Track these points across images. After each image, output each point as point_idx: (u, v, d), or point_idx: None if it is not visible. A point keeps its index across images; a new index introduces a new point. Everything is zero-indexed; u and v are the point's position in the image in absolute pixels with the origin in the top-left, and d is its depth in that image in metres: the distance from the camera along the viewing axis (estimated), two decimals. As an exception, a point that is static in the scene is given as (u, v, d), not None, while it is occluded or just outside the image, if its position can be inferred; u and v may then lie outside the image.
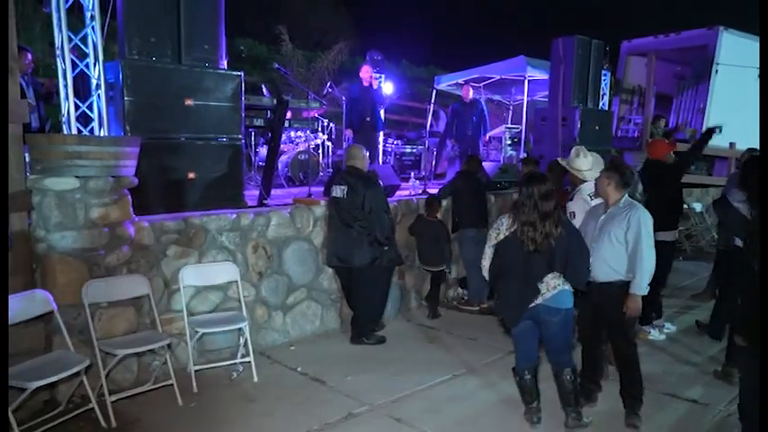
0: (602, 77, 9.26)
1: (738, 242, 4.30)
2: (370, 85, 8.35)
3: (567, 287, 3.42)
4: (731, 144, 9.70)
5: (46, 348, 3.78)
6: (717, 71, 9.79)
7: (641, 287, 3.54)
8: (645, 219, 3.57)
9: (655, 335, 5.39)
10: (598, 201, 4.09)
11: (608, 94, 10.08)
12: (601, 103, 9.38)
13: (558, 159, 4.68)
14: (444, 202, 6.40)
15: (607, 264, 3.60)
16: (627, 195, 3.69)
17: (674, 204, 5.36)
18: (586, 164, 4.34)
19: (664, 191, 5.08)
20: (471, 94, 9.45)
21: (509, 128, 9.79)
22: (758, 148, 6.25)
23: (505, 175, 7.72)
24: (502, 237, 3.45)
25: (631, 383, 3.73)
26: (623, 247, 3.57)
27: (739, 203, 4.24)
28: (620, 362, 3.80)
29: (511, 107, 12.14)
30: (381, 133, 9.05)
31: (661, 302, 5.56)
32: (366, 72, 8.28)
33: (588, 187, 4.29)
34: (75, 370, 3.41)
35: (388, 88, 9.77)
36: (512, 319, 3.55)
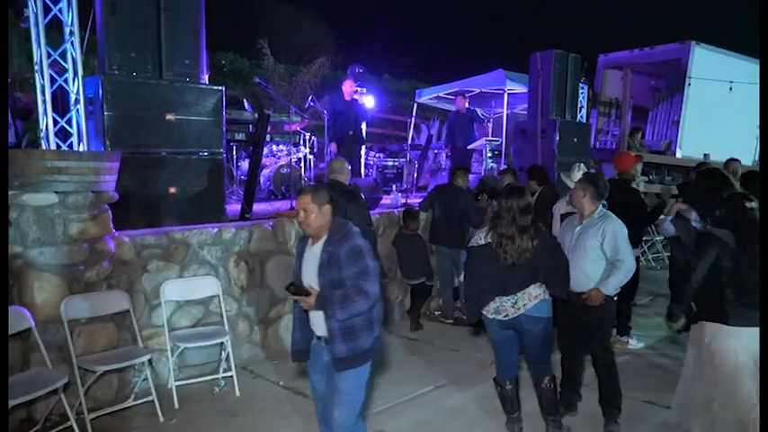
0: (580, 90, 9.44)
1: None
2: (353, 98, 8.40)
3: (547, 297, 3.48)
4: (705, 155, 9.91)
5: (23, 366, 3.72)
6: (690, 84, 10.05)
7: (610, 288, 3.61)
8: (620, 229, 3.64)
9: (633, 343, 5.48)
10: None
11: (586, 106, 10.26)
12: (579, 116, 9.54)
13: (562, 174, 5.21)
14: (424, 215, 6.42)
15: (585, 274, 3.66)
16: (602, 207, 3.77)
17: (640, 223, 5.46)
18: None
19: (629, 210, 5.12)
20: (466, 104, 9.53)
21: (489, 140, 9.90)
22: (735, 158, 6.43)
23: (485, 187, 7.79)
24: (481, 243, 3.50)
25: (610, 391, 3.78)
26: (600, 258, 3.64)
27: (695, 222, 4.31)
28: (599, 370, 3.86)
29: (491, 120, 12.29)
30: (363, 147, 9.10)
31: (631, 310, 5.68)
32: (348, 86, 8.32)
33: None
34: (52, 387, 3.38)
35: (369, 102, 9.85)
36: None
